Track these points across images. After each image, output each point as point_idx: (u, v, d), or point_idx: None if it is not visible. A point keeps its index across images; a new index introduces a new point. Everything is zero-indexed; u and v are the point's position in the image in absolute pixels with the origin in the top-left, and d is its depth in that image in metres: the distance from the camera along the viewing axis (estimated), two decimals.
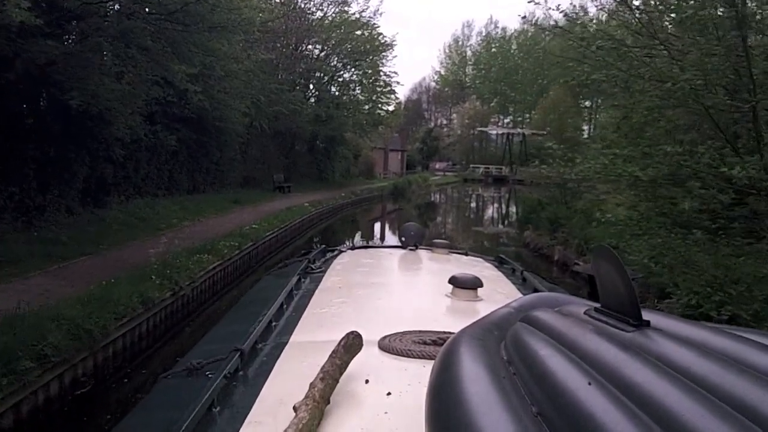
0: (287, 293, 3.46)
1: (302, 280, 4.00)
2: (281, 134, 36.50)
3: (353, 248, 5.63)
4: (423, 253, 5.09)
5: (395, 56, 43.00)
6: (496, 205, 55.02)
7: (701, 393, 0.98)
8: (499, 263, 5.07)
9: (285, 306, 3.26)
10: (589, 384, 1.10)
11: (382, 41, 40.72)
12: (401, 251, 5.16)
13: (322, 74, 40.73)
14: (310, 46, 40.06)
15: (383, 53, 41.05)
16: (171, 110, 22.79)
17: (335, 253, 5.27)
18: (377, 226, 33.78)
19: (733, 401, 0.95)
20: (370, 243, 21.55)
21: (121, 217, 16.65)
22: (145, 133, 20.89)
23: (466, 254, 5.44)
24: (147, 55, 14.73)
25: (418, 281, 4.45)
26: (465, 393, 1.23)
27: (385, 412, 1.78)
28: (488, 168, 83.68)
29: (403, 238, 5.30)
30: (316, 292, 3.60)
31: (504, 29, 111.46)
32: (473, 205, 55.53)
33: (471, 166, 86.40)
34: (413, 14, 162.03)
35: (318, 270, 4.32)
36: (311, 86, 40.86)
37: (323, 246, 5.61)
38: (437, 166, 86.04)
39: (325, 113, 38.06)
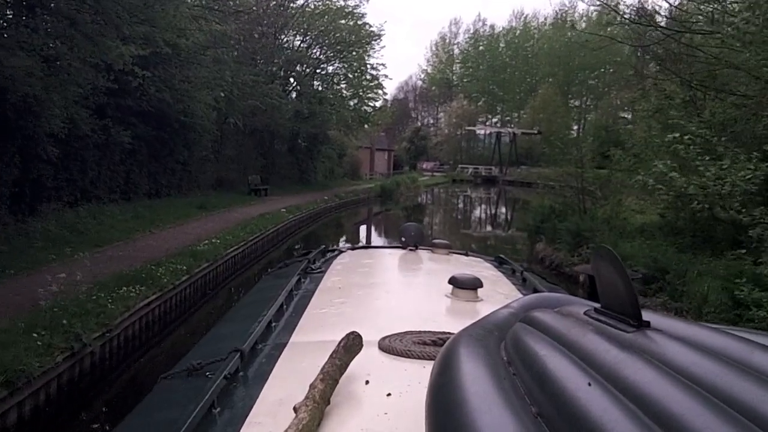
0: (287, 293, 3.40)
1: (302, 280, 3.94)
2: (258, 132, 33.39)
3: (353, 248, 5.57)
4: (423, 254, 5.03)
5: (383, 46, 39.70)
6: (492, 207, 52.35)
7: (701, 394, 0.97)
8: (499, 263, 4.98)
9: (285, 306, 3.21)
10: (589, 384, 1.09)
11: (369, 31, 37.64)
12: (401, 251, 5.08)
13: (304, 66, 37.55)
14: (290, 37, 36.96)
15: (370, 43, 37.96)
16: (125, 102, 19.72)
17: (335, 253, 5.19)
18: (362, 234, 30.76)
19: (734, 402, 0.93)
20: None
21: (52, 230, 13.55)
22: (92, 128, 17.85)
23: (467, 254, 5.35)
24: (74, 28, 11.71)
25: (418, 281, 4.35)
26: (465, 393, 1.21)
27: (385, 413, 1.77)
28: (477, 168, 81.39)
29: (402, 239, 5.17)
30: (316, 292, 3.57)
31: (492, 27, 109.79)
32: (465, 207, 52.86)
33: (459, 166, 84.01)
34: (400, 12, 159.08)
35: (318, 270, 4.26)
36: (292, 80, 37.66)
37: (323, 246, 5.42)
38: (425, 166, 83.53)
39: (307, 109, 34.98)
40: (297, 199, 29.36)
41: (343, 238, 27.29)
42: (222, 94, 25.67)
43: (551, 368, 1.21)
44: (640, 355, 1.15)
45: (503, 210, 50.10)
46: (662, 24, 15.53)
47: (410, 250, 5.03)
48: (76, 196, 17.82)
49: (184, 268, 11.24)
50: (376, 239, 27.96)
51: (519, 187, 68.13)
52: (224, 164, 31.28)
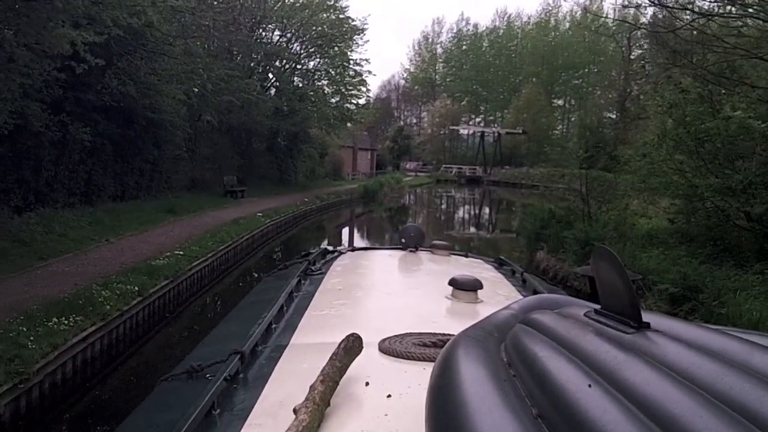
0: (287, 295, 3.40)
1: (302, 281, 3.92)
2: (235, 130, 31.65)
3: (353, 250, 5.56)
4: (423, 255, 4.99)
5: (367, 41, 37.63)
6: (476, 208, 51.20)
7: (702, 395, 0.97)
8: (499, 265, 4.95)
9: (285, 308, 3.21)
10: (590, 386, 1.09)
11: (352, 25, 35.97)
12: (401, 253, 5.02)
13: (284, 61, 35.79)
14: (269, 31, 35.18)
15: (353, 38, 36.28)
16: (85, 96, 17.97)
17: (335, 254, 5.14)
18: (344, 238, 29.18)
19: (734, 403, 0.93)
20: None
21: None
22: (46, 124, 16.13)
23: (467, 256, 5.32)
24: (11, 9, 10.06)
25: (418, 283, 4.26)
26: (465, 395, 1.21)
27: (386, 415, 1.75)
28: (461, 168, 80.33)
29: (403, 240, 5.09)
30: (316, 294, 3.56)
31: (476, 26, 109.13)
32: (450, 208, 51.51)
33: (443, 166, 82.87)
34: (382, 9, 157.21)
35: (318, 272, 4.24)
36: (271, 75, 35.87)
37: (323, 247, 5.33)
38: (408, 165, 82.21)
39: (287, 106, 33.30)
40: (275, 201, 27.68)
41: (324, 243, 25.72)
42: (195, 90, 23.99)
43: (551, 370, 1.20)
44: (641, 356, 1.14)
45: (487, 211, 49.04)
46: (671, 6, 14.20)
47: (410, 251, 5.01)
48: (29, 199, 16.11)
49: (136, 289, 9.53)
50: (360, 244, 26.42)
51: (504, 188, 67.32)
52: (198, 164, 29.54)
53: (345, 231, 31.20)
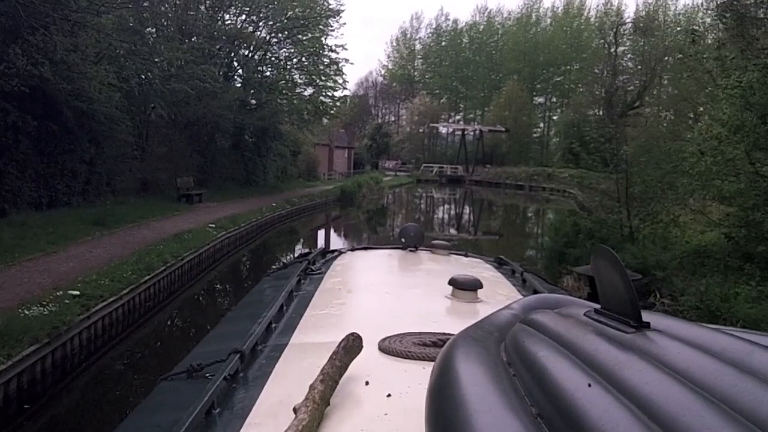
0: (287, 294, 3.39)
1: (302, 281, 3.92)
2: (194, 125, 27.90)
3: (353, 249, 5.50)
4: (423, 254, 4.97)
5: (344, 24, 33.60)
6: (458, 209, 48.21)
7: (701, 394, 0.96)
8: (499, 264, 4.95)
9: (285, 307, 3.21)
10: (590, 385, 1.08)
11: (326, 8, 32.24)
12: (401, 252, 4.99)
13: (252, 48, 31.93)
14: (233, 16, 31.40)
15: (327, 23, 32.56)
16: None
17: (335, 254, 5.11)
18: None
19: (734, 403, 0.93)
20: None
21: None
22: None
23: (466, 255, 5.28)
24: None
25: (417, 282, 4.20)
26: (465, 394, 1.20)
27: (385, 414, 1.74)
28: (442, 167, 77.37)
29: (403, 239, 5.05)
30: (316, 293, 3.53)
31: (455, 21, 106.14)
32: (431, 209, 48.35)
33: (424, 165, 79.79)
34: (358, 6, 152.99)
35: (318, 271, 4.23)
36: (235, 64, 32.00)
37: (323, 247, 5.43)
38: (386, 164, 78.84)
39: (253, 98, 29.56)
40: (237, 206, 23.95)
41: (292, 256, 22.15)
42: (141, 76, 20.28)
43: (551, 369, 1.19)
44: (640, 355, 1.13)
45: (470, 211, 46.24)
46: None
47: (410, 250, 4.93)
48: None
49: None
50: None
51: (487, 188, 64.60)
52: (151, 164, 25.80)
53: (320, 241, 27.62)
